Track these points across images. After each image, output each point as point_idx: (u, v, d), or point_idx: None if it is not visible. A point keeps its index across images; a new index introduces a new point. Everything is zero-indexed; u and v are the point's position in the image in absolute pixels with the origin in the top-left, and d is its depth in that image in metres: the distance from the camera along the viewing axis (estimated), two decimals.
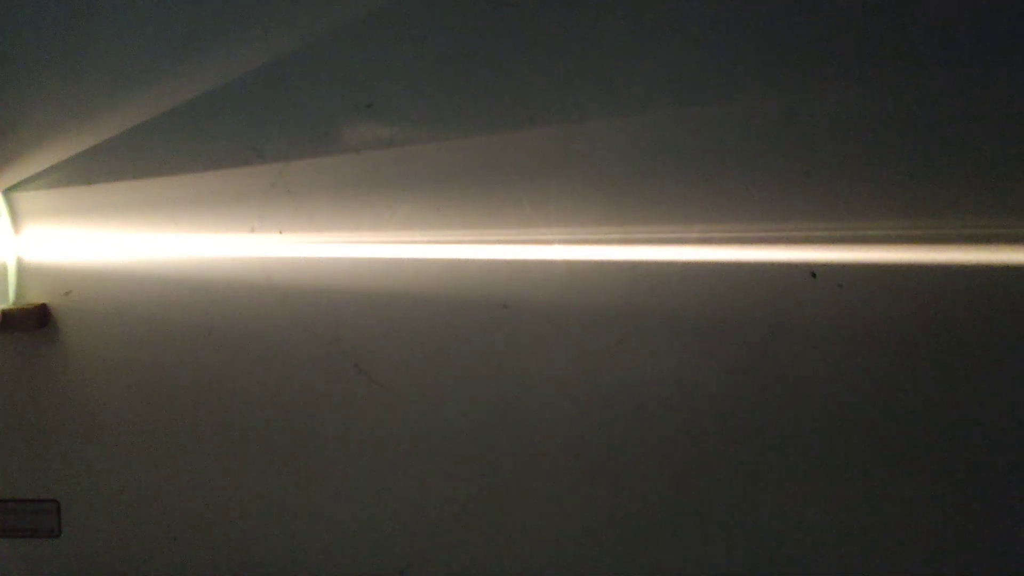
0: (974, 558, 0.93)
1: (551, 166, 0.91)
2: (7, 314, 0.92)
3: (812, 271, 0.89)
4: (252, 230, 0.94)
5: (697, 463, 0.94)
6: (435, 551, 0.99)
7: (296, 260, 0.94)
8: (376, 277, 0.93)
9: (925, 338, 0.89)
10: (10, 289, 0.96)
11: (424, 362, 0.95)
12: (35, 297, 0.96)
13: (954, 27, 0.86)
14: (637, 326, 0.92)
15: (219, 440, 0.98)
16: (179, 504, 1.00)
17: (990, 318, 0.88)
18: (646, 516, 0.96)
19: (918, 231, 0.88)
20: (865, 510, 0.93)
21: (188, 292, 0.95)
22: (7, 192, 0.95)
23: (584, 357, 0.93)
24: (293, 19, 0.91)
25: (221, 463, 0.98)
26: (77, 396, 0.98)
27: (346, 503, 0.98)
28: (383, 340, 0.94)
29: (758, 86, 0.88)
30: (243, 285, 0.95)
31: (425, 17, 0.90)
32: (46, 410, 0.99)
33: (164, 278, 0.95)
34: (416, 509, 0.98)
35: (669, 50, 0.89)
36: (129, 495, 1.00)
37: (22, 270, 0.96)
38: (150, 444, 0.99)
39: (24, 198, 0.95)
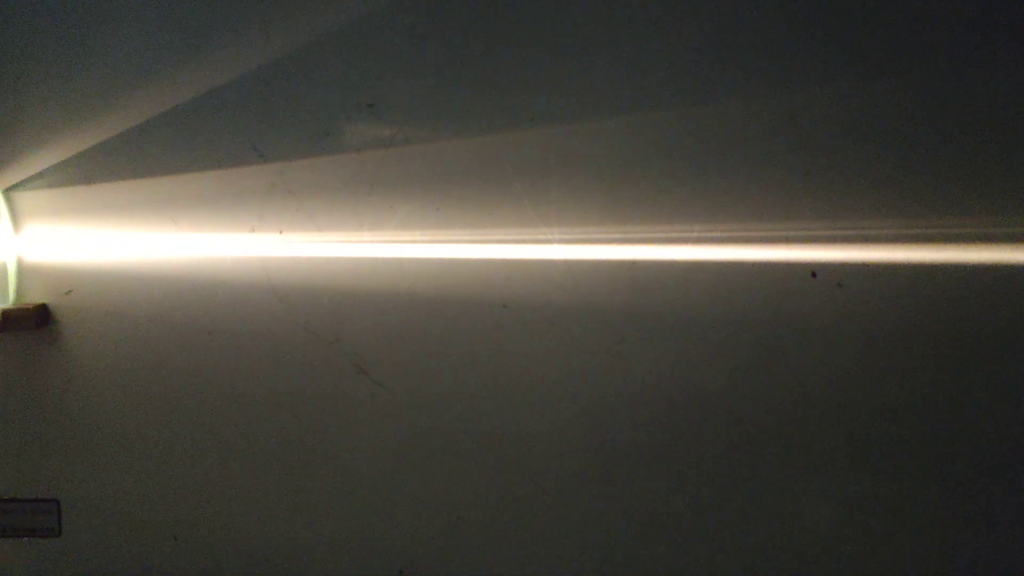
0: (974, 557, 0.93)
1: (551, 166, 0.91)
2: (7, 314, 0.92)
3: (812, 271, 0.89)
4: (252, 230, 0.94)
5: (697, 463, 0.94)
6: (434, 551, 0.99)
7: (296, 260, 0.94)
8: (376, 277, 0.93)
9: (925, 338, 0.89)
10: (10, 289, 0.96)
11: (424, 362, 0.95)
12: (35, 297, 0.96)
13: (954, 27, 0.86)
14: (637, 326, 0.92)
15: (219, 440, 0.98)
16: (179, 504, 1.00)
17: (990, 318, 0.88)
18: (646, 515, 0.96)
19: (918, 231, 0.88)
20: (865, 509, 0.93)
21: (188, 292, 0.95)
22: (7, 192, 0.95)
23: (584, 357, 0.93)
24: (293, 19, 0.91)
25: (221, 463, 0.98)
26: (77, 396, 0.98)
27: (345, 503, 0.98)
28: (383, 340, 0.94)
29: (758, 86, 0.88)
30: (243, 285, 0.95)
31: (424, 17, 0.90)
32: (46, 410, 0.99)
33: (164, 278, 0.95)
34: (415, 509, 0.98)
35: (669, 50, 0.89)
36: (129, 495, 1.00)
37: (22, 270, 0.96)
38: (150, 444, 0.99)
39: (24, 198, 0.95)
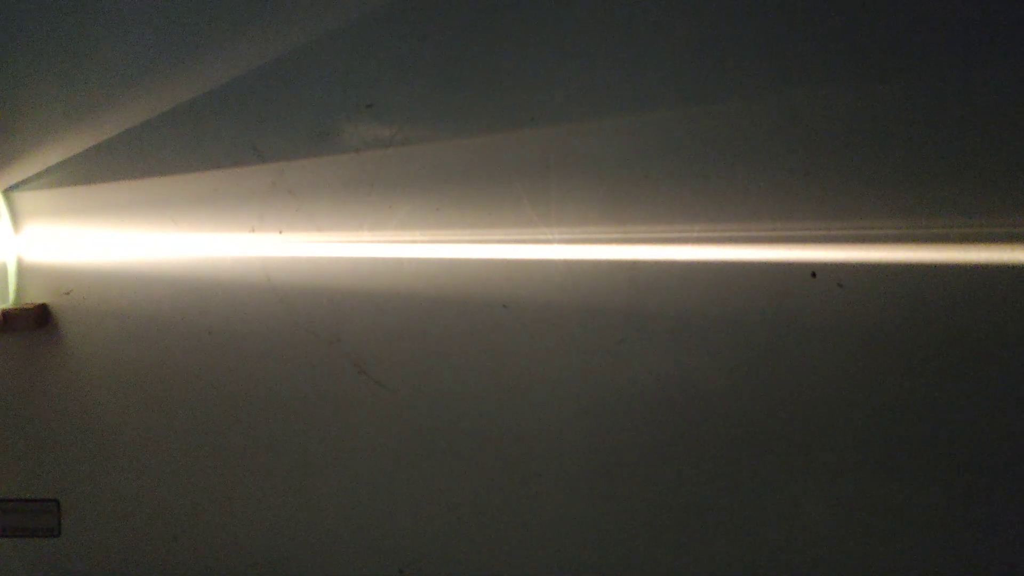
0: (974, 557, 0.93)
1: (551, 166, 0.91)
2: (7, 314, 0.92)
3: (812, 271, 0.89)
4: (252, 230, 0.94)
5: (697, 463, 0.94)
6: (434, 550, 0.99)
7: (296, 260, 0.94)
8: (376, 277, 0.93)
9: (925, 338, 0.89)
10: (10, 289, 0.96)
11: (424, 362, 0.95)
12: (35, 297, 0.96)
13: (954, 27, 0.86)
14: (637, 326, 0.92)
15: (219, 440, 0.98)
16: (179, 504, 1.00)
17: (990, 318, 0.88)
18: (646, 516, 0.96)
19: (918, 231, 0.88)
20: (865, 510, 0.93)
21: (188, 292, 0.95)
22: (7, 192, 0.95)
23: (584, 357, 0.93)
24: (293, 19, 0.91)
25: (221, 463, 0.99)
26: (77, 396, 0.98)
27: (346, 502, 0.98)
28: (383, 340, 0.94)
29: (759, 86, 0.88)
30: (243, 285, 0.95)
31: (424, 17, 0.90)
32: (46, 410, 0.99)
33: (164, 278, 0.95)
34: (415, 508, 0.98)
35: (669, 50, 0.89)
36: (129, 495, 1.00)
37: (22, 270, 0.96)
38: (150, 444, 0.99)
39: (24, 198, 0.95)
